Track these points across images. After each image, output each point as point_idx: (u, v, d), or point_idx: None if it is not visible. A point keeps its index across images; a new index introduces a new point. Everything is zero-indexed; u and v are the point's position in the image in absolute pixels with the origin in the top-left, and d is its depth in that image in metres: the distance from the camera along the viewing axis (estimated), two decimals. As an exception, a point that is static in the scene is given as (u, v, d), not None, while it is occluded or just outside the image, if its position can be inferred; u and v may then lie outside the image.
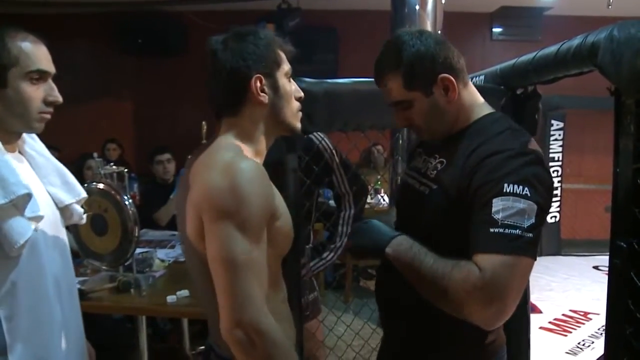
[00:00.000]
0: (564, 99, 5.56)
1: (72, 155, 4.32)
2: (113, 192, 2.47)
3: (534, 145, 1.23)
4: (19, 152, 1.43)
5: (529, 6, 5.90)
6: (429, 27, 3.43)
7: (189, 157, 1.35)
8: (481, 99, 1.39)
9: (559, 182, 6.06)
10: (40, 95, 1.31)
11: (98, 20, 5.70)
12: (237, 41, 1.25)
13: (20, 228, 1.26)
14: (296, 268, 1.76)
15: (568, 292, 4.82)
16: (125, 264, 2.61)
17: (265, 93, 1.26)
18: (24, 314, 1.31)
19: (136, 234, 2.48)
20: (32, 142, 1.48)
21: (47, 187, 1.47)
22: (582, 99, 5.49)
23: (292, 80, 1.34)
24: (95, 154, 2.75)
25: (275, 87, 1.28)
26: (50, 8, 5.20)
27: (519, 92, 2.07)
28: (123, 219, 2.46)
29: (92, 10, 5.54)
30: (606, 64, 1.25)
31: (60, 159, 1.56)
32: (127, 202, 2.46)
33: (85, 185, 2.46)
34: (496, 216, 1.11)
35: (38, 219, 1.32)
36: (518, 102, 2.07)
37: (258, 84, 1.24)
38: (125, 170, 2.64)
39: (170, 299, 2.40)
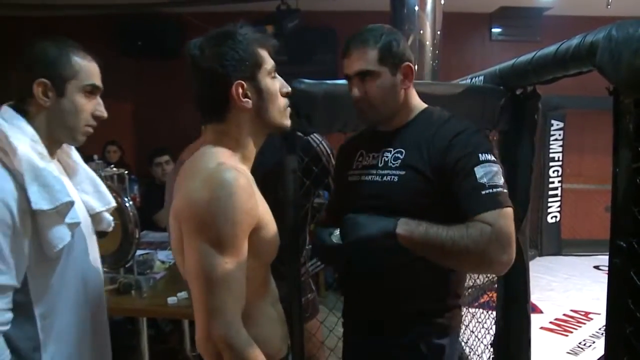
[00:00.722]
0: (563, 99, 5.56)
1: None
2: (113, 194, 2.46)
3: None
4: (57, 160, 1.50)
5: (528, 6, 5.90)
6: (428, 27, 3.43)
7: (178, 161, 1.34)
8: (419, 100, 1.59)
9: (559, 182, 6.06)
10: (90, 108, 1.42)
11: (97, 23, 5.70)
12: (214, 46, 1.21)
13: (61, 233, 1.32)
14: (295, 269, 1.76)
15: (569, 292, 4.82)
16: (126, 265, 2.61)
17: (248, 98, 1.23)
18: (57, 314, 1.37)
19: (137, 236, 2.48)
20: (69, 151, 1.56)
21: (80, 195, 1.54)
22: (582, 99, 5.48)
23: (277, 76, 1.31)
24: (95, 156, 2.75)
25: (258, 90, 1.24)
26: (50, 10, 5.20)
27: (518, 92, 2.07)
28: (124, 220, 2.45)
29: (91, 13, 5.54)
30: (605, 64, 1.26)
31: None
32: (127, 204, 2.45)
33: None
34: (482, 181, 1.35)
35: (75, 225, 1.38)
36: (517, 102, 2.08)
37: (240, 90, 1.21)
38: (126, 172, 2.64)
39: (171, 300, 2.41)
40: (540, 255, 6.05)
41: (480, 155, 1.37)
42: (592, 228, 6.07)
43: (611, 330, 1.35)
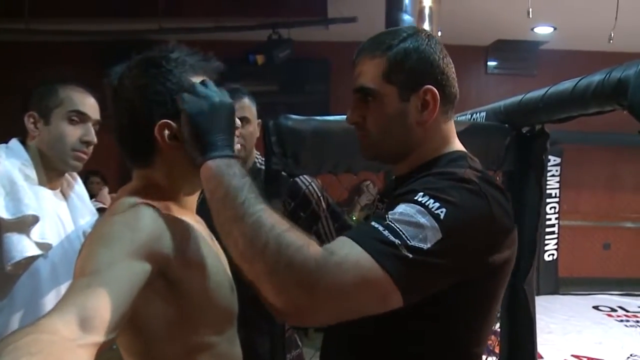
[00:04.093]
0: (560, 134, 5.45)
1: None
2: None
3: (489, 184, 0.98)
4: (61, 191, 1.60)
5: (524, 40, 5.85)
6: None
7: None
8: (453, 140, 1.11)
9: (556, 218, 5.97)
10: (77, 134, 1.51)
11: (82, 49, 5.59)
12: (138, 77, 0.98)
13: (21, 246, 1.37)
14: (279, 324, 1.61)
15: (569, 334, 4.67)
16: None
17: (176, 139, 0.96)
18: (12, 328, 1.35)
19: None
20: (75, 186, 1.67)
21: (84, 228, 1.59)
22: (579, 134, 5.41)
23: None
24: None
25: None
26: (36, 36, 5.11)
27: (524, 130, 1.93)
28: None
29: (77, 39, 5.45)
30: (638, 103, 1.10)
31: None
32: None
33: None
34: (389, 215, 0.88)
35: (46, 246, 1.43)
36: (524, 141, 1.94)
37: (165, 131, 0.95)
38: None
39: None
40: (537, 294, 5.90)
41: (421, 194, 0.91)
42: (590, 266, 6.02)
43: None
